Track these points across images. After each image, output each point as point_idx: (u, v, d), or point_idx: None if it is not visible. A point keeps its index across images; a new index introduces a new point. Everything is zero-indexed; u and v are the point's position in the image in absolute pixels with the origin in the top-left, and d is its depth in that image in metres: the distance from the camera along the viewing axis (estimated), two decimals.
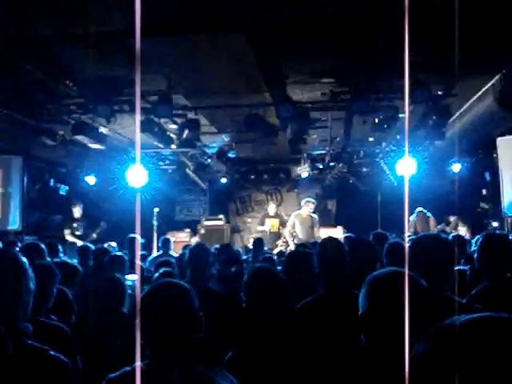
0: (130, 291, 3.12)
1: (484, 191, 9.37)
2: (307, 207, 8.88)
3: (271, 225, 9.53)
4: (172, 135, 8.04)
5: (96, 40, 4.28)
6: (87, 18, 4.12)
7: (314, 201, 9.20)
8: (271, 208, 10.04)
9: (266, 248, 7.61)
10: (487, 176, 9.04)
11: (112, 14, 3.98)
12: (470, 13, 3.86)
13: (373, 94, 6.62)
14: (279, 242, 9.59)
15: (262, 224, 9.84)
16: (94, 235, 8.72)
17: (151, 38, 4.02)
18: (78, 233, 8.67)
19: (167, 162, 11.26)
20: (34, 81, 5.76)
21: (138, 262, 5.44)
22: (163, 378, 1.57)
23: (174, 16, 4.13)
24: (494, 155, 7.91)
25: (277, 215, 9.92)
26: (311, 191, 12.52)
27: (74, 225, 8.72)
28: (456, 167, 9.14)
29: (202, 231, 10.04)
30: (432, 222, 8.66)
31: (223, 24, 4.26)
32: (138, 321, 1.25)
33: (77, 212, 8.82)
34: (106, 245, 7.00)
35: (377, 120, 7.58)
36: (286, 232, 9.06)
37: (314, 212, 9.20)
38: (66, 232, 8.61)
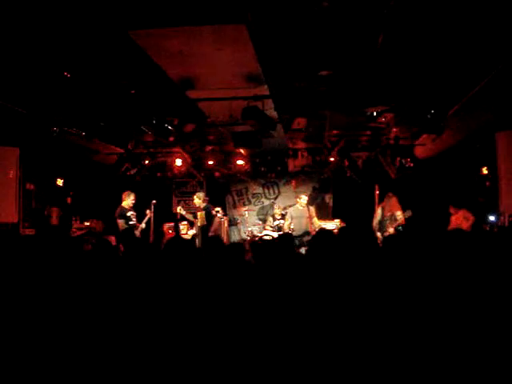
0: None
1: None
2: (299, 200, 9.12)
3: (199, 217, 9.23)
4: (170, 127, 7.99)
5: None
6: None
7: (303, 196, 9.37)
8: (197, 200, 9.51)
9: None
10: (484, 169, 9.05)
11: None
12: None
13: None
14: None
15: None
16: (143, 225, 8.71)
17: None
18: (131, 223, 8.47)
19: (164, 154, 11.26)
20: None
21: None
22: None
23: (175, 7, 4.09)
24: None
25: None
26: (308, 184, 12.53)
27: (128, 214, 8.46)
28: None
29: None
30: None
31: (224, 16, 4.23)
32: None
33: (130, 201, 8.52)
34: None
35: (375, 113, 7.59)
36: (285, 226, 9.20)
37: (311, 205, 9.33)
38: (120, 222, 8.34)
